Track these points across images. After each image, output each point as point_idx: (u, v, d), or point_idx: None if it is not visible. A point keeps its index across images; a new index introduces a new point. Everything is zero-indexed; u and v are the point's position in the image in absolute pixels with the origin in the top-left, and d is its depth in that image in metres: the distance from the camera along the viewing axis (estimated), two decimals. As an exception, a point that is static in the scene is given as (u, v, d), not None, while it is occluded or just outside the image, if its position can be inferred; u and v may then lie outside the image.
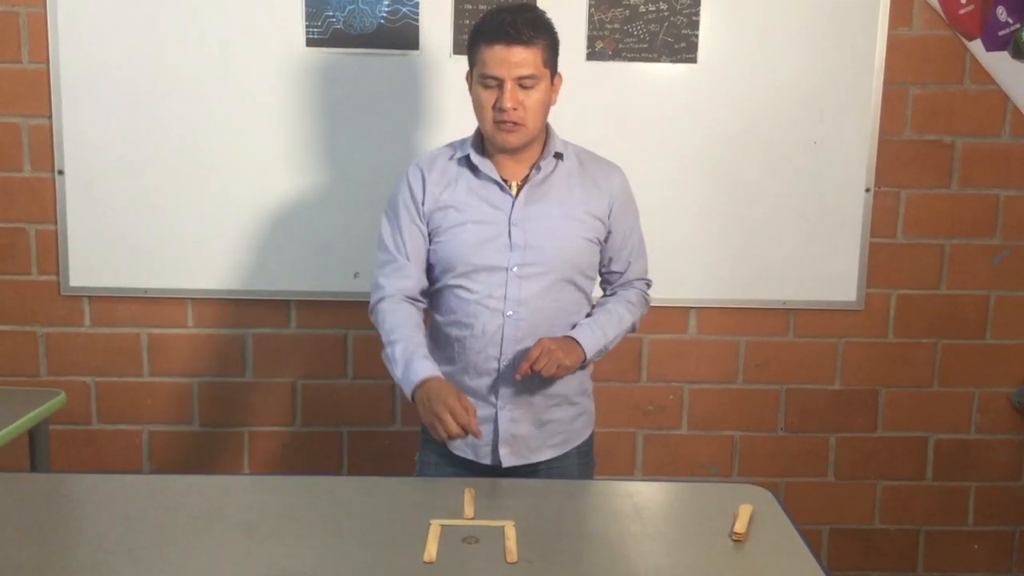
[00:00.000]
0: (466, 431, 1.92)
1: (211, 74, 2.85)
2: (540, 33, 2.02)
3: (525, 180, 2.13)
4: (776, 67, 2.91)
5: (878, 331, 3.09)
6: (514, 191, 2.12)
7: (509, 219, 2.10)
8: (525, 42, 1.99)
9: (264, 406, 3.08)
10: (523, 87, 2.02)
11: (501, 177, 2.11)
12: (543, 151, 2.13)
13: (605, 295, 2.31)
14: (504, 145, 2.07)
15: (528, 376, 2.08)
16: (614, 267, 2.26)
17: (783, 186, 2.97)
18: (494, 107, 2.03)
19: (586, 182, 2.16)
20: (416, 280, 2.15)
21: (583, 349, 2.11)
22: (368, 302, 2.19)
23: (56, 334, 3.01)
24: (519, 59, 2.00)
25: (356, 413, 3.08)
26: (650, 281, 2.34)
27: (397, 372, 2.04)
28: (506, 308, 2.11)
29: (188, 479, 2.21)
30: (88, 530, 1.82)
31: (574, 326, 2.17)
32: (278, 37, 2.84)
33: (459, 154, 2.14)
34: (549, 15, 2.08)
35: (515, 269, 2.10)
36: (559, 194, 2.13)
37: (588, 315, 2.22)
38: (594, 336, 2.14)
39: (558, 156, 2.14)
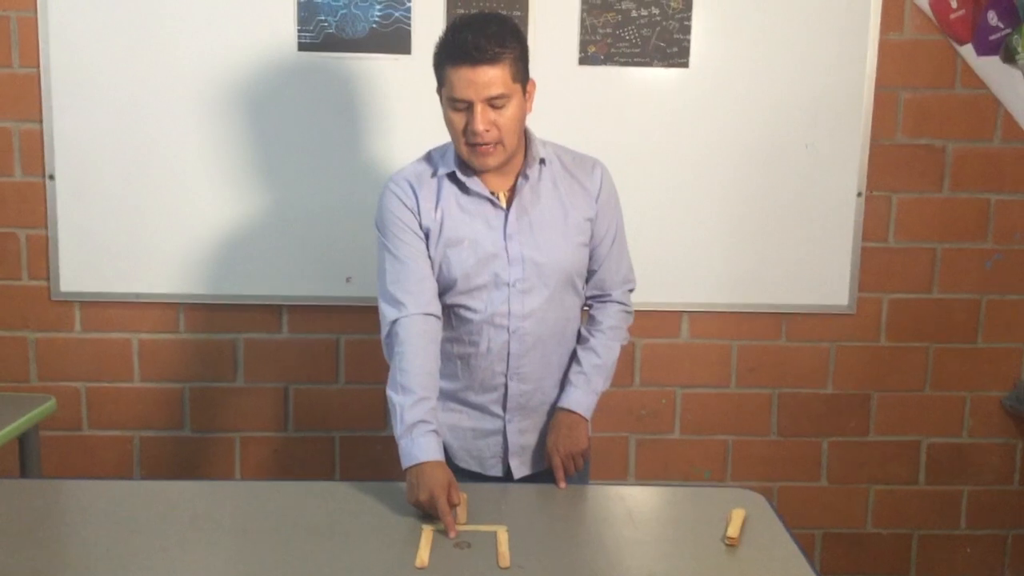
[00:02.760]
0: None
1: (203, 78, 2.84)
2: (506, 47, 1.91)
3: (512, 191, 2.09)
4: (768, 72, 2.91)
5: (870, 335, 3.10)
6: (503, 203, 2.08)
7: (504, 234, 2.07)
8: (491, 60, 1.89)
9: (256, 411, 3.07)
10: (494, 107, 1.93)
11: (489, 191, 2.07)
12: (526, 159, 2.08)
13: (590, 312, 2.25)
14: (482, 168, 2.02)
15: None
16: (593, 265, 2.19)
17: (775, 190, 2.97)
18: (466, 130, 1.95)
19: (572, 184, 2.12)
20: (435, 289, 2.06)
21: (583, 416, 2.14)
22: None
23: (46, 339, 2.99)
24: (486, 79, 1.90)
25: (348, 418, 3.07)
26: (633, 286, 2.29)
27: (397, 430, 1.94)
28: (511, 324, 2.08)
29: (179, 485, 2.21)
30: (79, 536, 1.81)
31: (563, 387, 2.17)
32: (270, 42, 2.83)
33: (442, 171, 2.07)
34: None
35: (517, 284, 2.07)
36: (549, 202, 2.10)
37: (576, 357, 2.19)
38: (588, 399, 2.16)
39: (541, 162, 2.09)
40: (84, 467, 3.05)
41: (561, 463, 2.08)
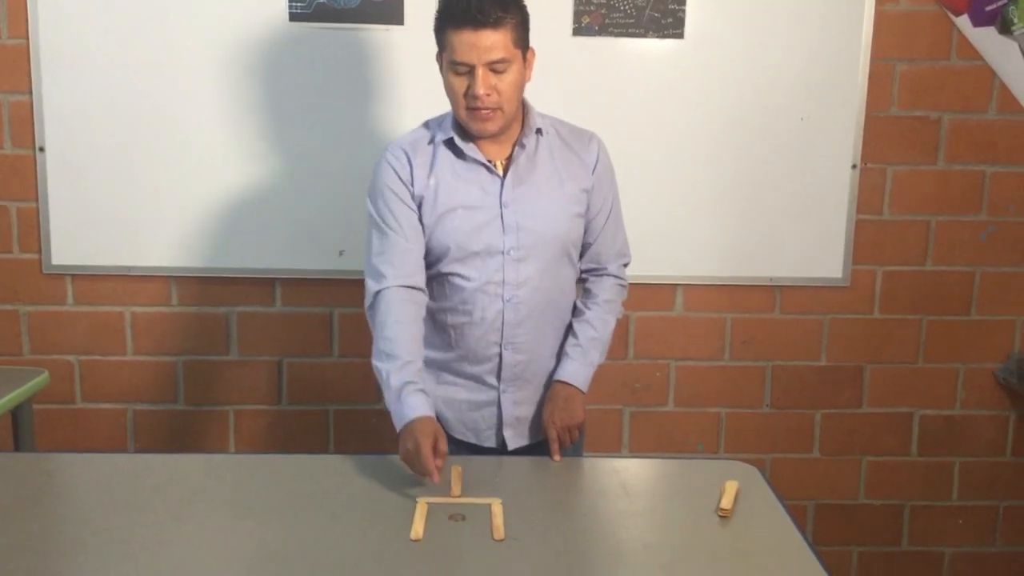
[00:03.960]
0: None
1: (193, 49, 2.82)
2: (509, 12, 1.93)
3: (509, 159, 2.09)
4: (763, 43, 2.89)
5: (864, 307, 3.10)
6: (499, 171, 2.08)
7: (500, 201, 2.07)
8: (493, 24, 1.90)
9: (249, 384, 3.06)
10: (495, 71, 1.94)
11: (486, 158, 2.07)
12: (523, 128, 2.08)
13: (585, 286, 2.25)
14: (481, 133, 2.02)
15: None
16: (588, 238, 2.19)
17: (770, 162, 2.96)
18: (466, 94, 1.96)
19: (569, 155, 2.12)
20: (419, 262, 2.06)
21: (580, 389, 2.13)
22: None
23: (39, 313, 2.98)
24: (488, 43, 1.91)
25: (342, 391, 3.07)
26: (628, 260, 2.29)
27: (388, 396, 1.96)
28: (505, 293, 2.08)
29: (173, 458, 2.21)
30: (72, 509, 1.82)
31: (559, 359, 2.17)
32: (261, 11, 2.81)
33: (440, 137, 2.07)
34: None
35: (511, 252, 2.07)
36: (545, 171, 2.10)
37: (573, 330, 2.18)
38: (585, 371, 2.15)
39: (538, 132, 2.10)
40: (77, 440, 3.05)
41: (557, 436, 2.09)
